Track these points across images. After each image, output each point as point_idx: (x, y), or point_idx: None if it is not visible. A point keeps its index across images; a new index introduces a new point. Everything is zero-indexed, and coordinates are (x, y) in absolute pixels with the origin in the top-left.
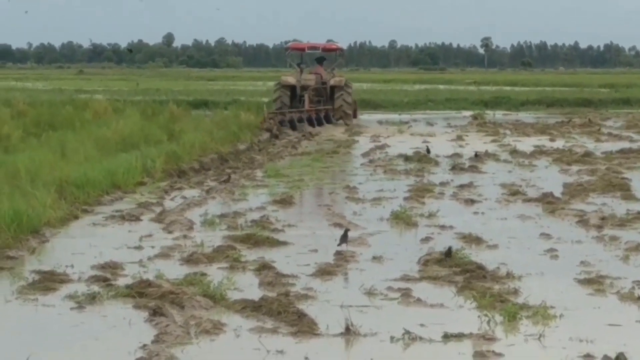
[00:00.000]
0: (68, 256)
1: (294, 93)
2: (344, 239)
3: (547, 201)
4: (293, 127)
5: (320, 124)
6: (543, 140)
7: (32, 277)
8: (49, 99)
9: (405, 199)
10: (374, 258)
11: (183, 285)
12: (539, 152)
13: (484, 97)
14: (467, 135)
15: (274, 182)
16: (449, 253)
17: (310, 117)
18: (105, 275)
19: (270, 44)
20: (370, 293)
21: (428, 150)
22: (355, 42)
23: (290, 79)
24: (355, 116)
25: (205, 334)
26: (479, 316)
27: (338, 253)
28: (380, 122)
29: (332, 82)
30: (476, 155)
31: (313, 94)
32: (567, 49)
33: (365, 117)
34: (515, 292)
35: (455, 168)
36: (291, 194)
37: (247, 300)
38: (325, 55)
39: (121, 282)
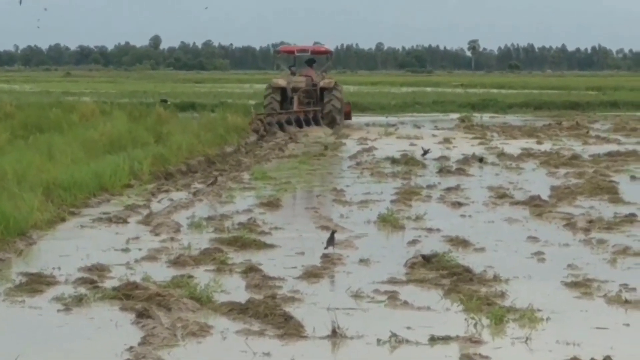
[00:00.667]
0: (55, 258)
1: (284, 95)
2: (331, 241)
3: (535, 204)
4: (282, 129)
5: (308, 124)
6: (530, 143)
7: (19, 279)
8: (36, 101)
9: (392, 201)
10: (361, 261)
11: (170, 287)
12: (527, 154)
13: (471, 100)
14: (454, 138)
15: (261, 184)
16: (426, 258)
17: (299, 118)
18: (92, 278)
19: (257, 47)
20: (357, 296)
21: (425, 152)
22: (342, 45)
23: (281, 82)
24: (349, 117)
25: (191, 336)
26: (465, 319)
27: (325, 256)
28: (367, 125)
29: (321, 84)
30: (481, 160)
31: (303, 95)
32: (555, 52)
33: (352, 119)
34: (502, 295)
35: (443, 171)
36: (278, 197)
37: (233, 302)
38: (315, 58)
39: (108, 284)
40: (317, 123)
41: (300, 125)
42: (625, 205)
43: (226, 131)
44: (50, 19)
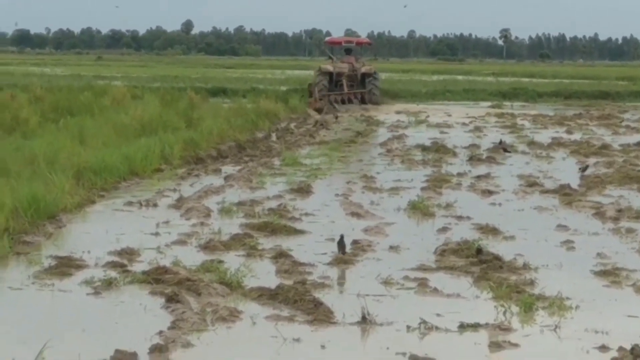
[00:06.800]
0: (85, 242)
1: (331, 79)
2: (341, 246)
3: (564, 193)
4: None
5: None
6: (560, 132)
7: (49, 262)
8: (67, 84)
9: (423, 189)
10: (391, 248)
11: (200, 272)
12: (557, 143)
13: (502, 89)
14: (485, 127)
15: (292, 170)
16: (479, 251)
17: (350, 99)
18: (122, 261)
19: (289, 33)
20: (386, 282)
21: (505, 149)
22: (374, 32)
23: (329, 67)
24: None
25: (221, 321)
26: (495, 306)
27: (355, 242)
28: (398, 112)
29: (363, 70)
30: (504, 150)
31: (347, 79)
32: (586, 42)
33: (383, 106)
34: (532, 283)
35: (473, 159)
36: (309, 183)
37: (263, 288)
38: (355, 48)
39: (138, 268)
40: (363, 102)
41: (351, 103)
42: None
43: (257, 117)
44: (82, 3)
